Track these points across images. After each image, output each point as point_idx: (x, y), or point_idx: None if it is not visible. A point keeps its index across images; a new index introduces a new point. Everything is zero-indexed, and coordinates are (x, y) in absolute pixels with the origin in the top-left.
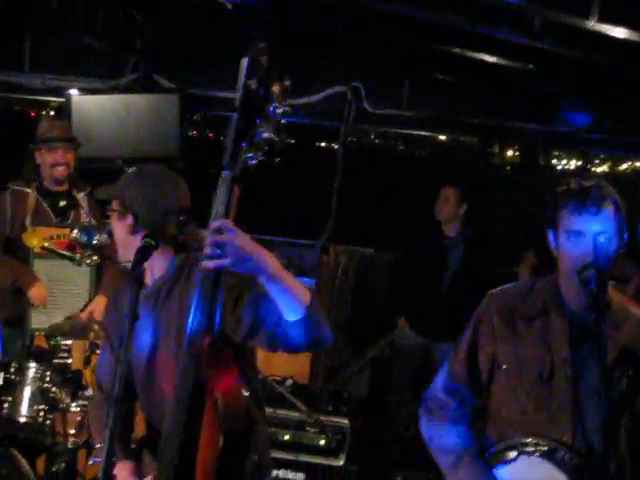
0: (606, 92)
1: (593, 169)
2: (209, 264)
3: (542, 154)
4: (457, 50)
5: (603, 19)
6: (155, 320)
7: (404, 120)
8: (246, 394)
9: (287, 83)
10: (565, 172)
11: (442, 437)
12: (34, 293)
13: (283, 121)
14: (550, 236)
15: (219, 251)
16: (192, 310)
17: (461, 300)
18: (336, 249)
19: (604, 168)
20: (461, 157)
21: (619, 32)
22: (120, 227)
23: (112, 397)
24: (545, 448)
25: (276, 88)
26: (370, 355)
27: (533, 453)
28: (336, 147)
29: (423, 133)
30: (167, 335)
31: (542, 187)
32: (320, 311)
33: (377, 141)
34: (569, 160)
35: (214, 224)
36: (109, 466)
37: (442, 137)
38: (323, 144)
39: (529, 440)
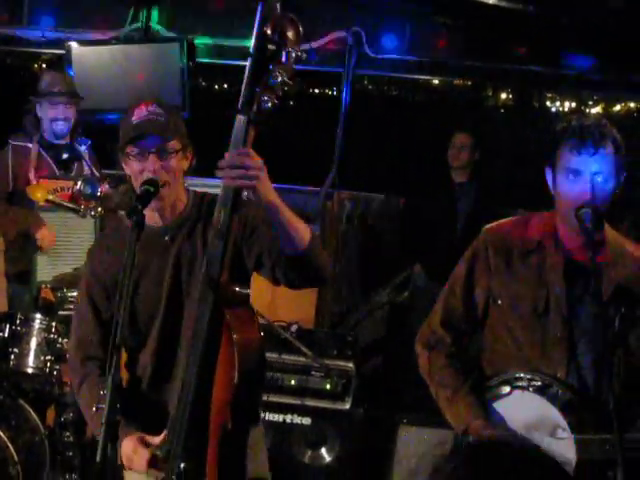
0: (606, 35)
1: (587, 110)
2: (231, 181)
3: (536, 96)
4: None
5: None
6: (174, 255)
7: (405, 65)
8: (261, 333)
9: (301, 28)
10: (559, 114)
11: (439, 371)
12: (41, 235)
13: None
14: (548, 174)
15: (242, 171)
16: (210, 238)
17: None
18: (340, 195)
19: (597, 109)
20: (455, 101)
21: None
22: (182, 166)
23: (112, 345)
24: (538, 383)
25: (290, 33)
26: (380, 300)
27: (526, 388)
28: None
29: (419, 77)
30: (189, 270)
31: (536, 129)
32: (320, 250)
33: (371, 87)
34: (562, 102)
35: (239, 150)
36: (112, 414)
37: (435, 81)
38: (325, 90)
39: (522, 375)
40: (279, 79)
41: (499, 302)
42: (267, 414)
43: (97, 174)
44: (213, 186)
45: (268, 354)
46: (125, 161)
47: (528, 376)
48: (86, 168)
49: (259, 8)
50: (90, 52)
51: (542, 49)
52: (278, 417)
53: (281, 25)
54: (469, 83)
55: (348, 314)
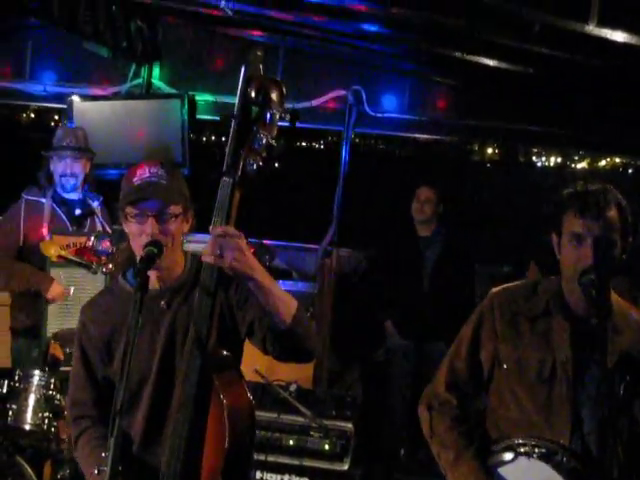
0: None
1: (573, 166)
2: (208, 259)
3: (522, 151)
4: (457, 54)
5: (602, 23)
6: (170, 320)
7: (405, 123)
8: (250, 397)
9: (284, 89)
10: (545, 169)
11: (443, 433)
12: (52, 292)
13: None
14: (553, 239)
15: (219, 252)
16: (195, 308)
17: (441, 300)
18: (338, 252)
19: (583, 165)
20: (441, 155)
21: (618, 36)
22: (181, 229)
23: (114, 407)
24: (543, 450)
25: (274, 94)
26: (374, 358)
27: (531, 455)
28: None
29: (418, 135)
30: (184, 336)
31: (522, 184)
32: (305, 325)
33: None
34: (548, 157)
35: (217, 229)
36: (115, 474)
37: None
38: (325, 147)
39: (527, 441)
40: (263, 140)
41: (504, 366)
42: (265, 474)
43: (109, 230)
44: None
45: (267, 414)
46: (124, 221)
47: (532, 442)
48: (98, 224)
49: (242, 70)
50: (92, 107)
51: (536, 108)
52: (276, 477)
53: (265, 87)
54: (456, 139)
55: (345, 372)
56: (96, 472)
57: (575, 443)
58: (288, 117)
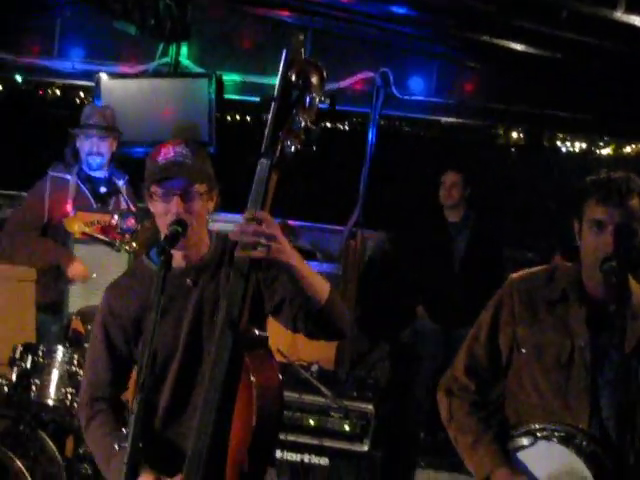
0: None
1: (597, 151)
2: (244, 255)
3: (547, 136)
4: (486, 38)
5: (630, 10)
6: (197, 297)
7: (432, 106)
8: (280, 376)
9: (325, 74)
10: (570, 154)
11: (461, 418)
12: (73, 270)
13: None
14: (575, 225)
15: (256, 239)
16: (229, 288)
17: (472, 286)
18: (363, 234)
19: (608, 151)
20: (466, 139)
21: None
22: (206, 208)
23: (137, 385)
24: (562, 434)
25: (314, 79)
26: (400, 339)
27: (551, 438)
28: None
29: (444, 118)
30: (211, 315)
31: (547, 169)
32: (338, 306)
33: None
34: (573, 142)
35: (256, 214)
36: (134, 454)
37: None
38: (352, 129)
39: (546, 426)
40: (302, 124)
41: (523, 351)
42: (285, 453)
43: (133, 209)
44: (238, 222)
45: (288, 393)
46: (149, 200)
47: (551, 427)
48: (123, 203)
49: (284, 53)
50: (119, 85)
51: (562, 93)
52: (296, 457)
53: (305, 70)
54: (482, 122)
55: (368, 354)
56: (117, 447)
57: (594, 427)
58: (328, 101)
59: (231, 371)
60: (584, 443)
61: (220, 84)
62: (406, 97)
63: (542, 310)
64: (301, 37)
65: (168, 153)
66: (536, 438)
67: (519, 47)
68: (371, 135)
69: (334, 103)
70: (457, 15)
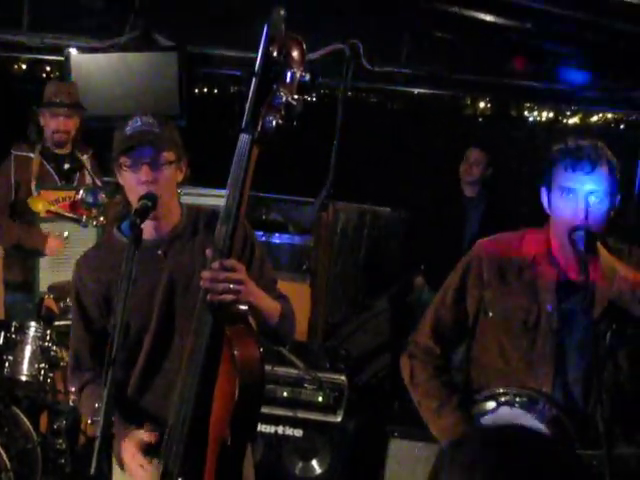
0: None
1: (565, 121)
2: (216, 296)
3: (514, 106)
4: (455, 9)
5: None
6: (169, 268)
7: (402, 78)
8: (261, 349)
9: (305, 48)
10: (537, 124)
11: (425, 382)
12: (50, 248)
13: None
14: (543, 193)
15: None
16: (210, 256)
17: None
18: (335, 206)
19: (575, 120)
20: (436, 110)
21: None
22: (175, 177)
23: (107, 359)
24: (524, 399)
25: (295, 53)
26: (380, 308)
27: (512, 404)
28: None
29: (414, 89)
30: (185, 285)
31: (515, 139)
32: (286, 324)
33: (372, 98)
34: (540, 112)
35: (224, 262)
36: (107, 427)
37: (417, 91)
38: (322, 100)
39: (509, 390)
40: (283, 99)
41: (490, 314)
42: (259, 425)
43: (99, 183)
44: (209, 195)
45: None
46: (119, 172)
47: (514, 391)
48: (88, 177)
49: (265, 29)
50: (89, 59)
51: (532, 63)
52: (270, 429)
53: (286, 46)
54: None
55: (341, 325)
56: (89, 422)
57: (557, 392)
58: (308, 76)
59: (213, 345)
60: (546, 407)
61: (189, 57)
62: (376, 68)
63: (511, 274)
64: (282, 12)
65: (135, 123)
66: (498, 403)
67: (488, 18)
68: (341, 106)
69: (314, 78)
70: None
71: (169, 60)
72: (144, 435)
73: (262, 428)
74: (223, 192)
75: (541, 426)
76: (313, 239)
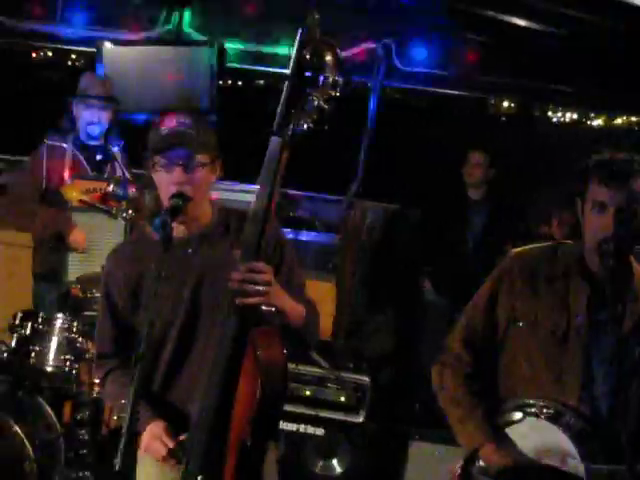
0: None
1: (588, 122)
2: (239, 300)
3: (538, 105)
4: (490, 13)
5: None
6: (197, 266)
7: (433, 78)
8: (285, 351)
9: (339, 53)
10: (561, 124)
11: (453, 389)
12: (73, 237)
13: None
14: (578, 204)
15: (251, 287)
16: (239, 256)
17: (485, 264)
18: (363, 205)
19: (599, 122)
20: (459, 110)
21: None
22: (208, 179)
23: (135, 357)
24: (551, 411)
25: (328, 58)
26: (397, 311)
27: (539, 415)
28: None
29: (446, 90)
30: (212, 283)
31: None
32: (311, 326)
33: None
34: (564, 113)
35: (252, 265)
36: (133, 424)
37: (446, 91)
38: (353, 99)
39: (536, 402)
40: (315, 103)
41: (520, 324)
42: (281, 423)
43: (129, 176)
44: (239, 191)
45: None
46: (152, 169)
47: (541, 403)
48: (118, 170)
49: (299, 33)
50: (121, 52)
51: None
52: (292, 427)
53: (320, 50)
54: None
55: (365, 323)
56: (115, 418)
57: (584, 405)
58: (341, 82)
59: (237, 344)
60: (572, 420)
61: (222, 52)
62: (407, 68)
63: (542, 285)
64: (316, 16)
65: (171, 123)
66: (525, 414)
67: (521, 22)
68: (372, 106)
69: (349, 82)
70: None
71: (201, 55)
72: (167, 433)
73: (284, 426)
74: (254, 188)
75: (567, 438)
76: (340, 237)
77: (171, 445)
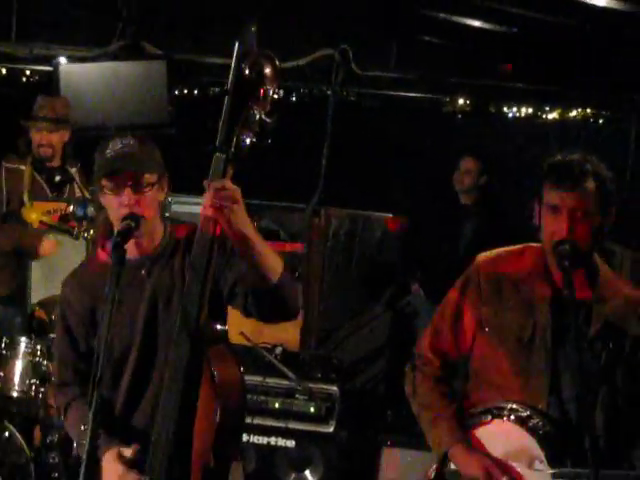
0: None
1: (544, 116)
2: (209, 212)
3: (493, 102)
4: (443, 15)
5: None
6: (151, 288)
7: (391, 82)
8: (241, 370)
9: (278, 64)
10: (516, 119)
11: (424, 393)
12: (45, 247)
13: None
14: (536, 208)
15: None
16: (187, 282)
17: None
18: (327, 212)
19: (554, 115)
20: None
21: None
22: (157, 197)
23: (92, 379)
24: (520, 414)
25: (268, 70)
26: (375, 313)
27: (508, 418)
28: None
29: (404, 93)
30: (166, 302)
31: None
32: (291, 283)
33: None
34: (519, 108)
35: (217, 183)
36: (93, 448)
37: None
38: (311, 106)
39: (504, 405)
40: (257, 117)
41: (486, 330)
42: (251, 437)
43: (88, 196)
44: (195, 203)
45: (252, 377)
46: (100, 193)
47: (510, 406)
48: (77, 190)
49: (236, 47)
50: (78, 69)
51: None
52: (262, 440)
53: (259, 63)
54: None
55: (334, 331)
56: (75, 445)
57: (552, 409)
58: (282, 92)
59: (192, 367)
60: (540, 424)
61: (177, 65)
62: (366, 73)
63: (507, 290)
64: (253, 28)
65: (115, 146)
66: (493, 416)
67: (475, 23)
68: (330, 111)
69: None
70: None
71: (158, 68)
72: (123, 450)
73: (254, 439)
74: None
75: (534, 441)
76: (305, 245)
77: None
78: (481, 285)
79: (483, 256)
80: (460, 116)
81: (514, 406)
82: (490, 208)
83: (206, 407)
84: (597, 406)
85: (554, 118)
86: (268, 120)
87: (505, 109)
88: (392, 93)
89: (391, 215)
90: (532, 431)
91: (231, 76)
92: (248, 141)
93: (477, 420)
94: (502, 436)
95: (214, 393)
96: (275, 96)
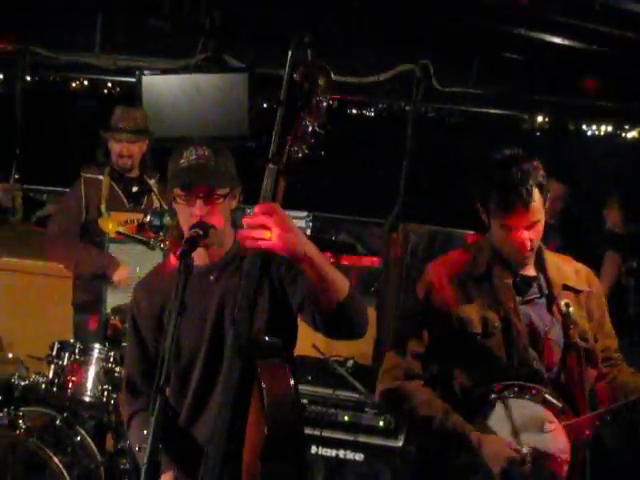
0: None
1: (622, 135)
2: (249, 243)
3: (572, 119)
4: (521, 31)
5: None
6: (219, 294)
7: (472, 98)
8: (292, 382)
9: (332, 76)
10: (595, 137)
11: (424, 398)
12: (118, 275)
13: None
14: (480, 209)
15: (263, 232)
16: (238, 299)
17: None
18: (405, 227)
19: (634, 134)
20: (495, 125)
21: None
22: (229, 207)
23: (156, 384)
24: (515, 389)
25: (321, 81)
26: None
27: (506, 397)
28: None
29: (485, 110)
30: (233, 309)
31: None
32: (357, 303)
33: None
34: (599, 126)
35: (260, 207)
36: (154, 455)
37: (485, 110)
38: (392, 121)
39: (503, 384)
40: (310, 128)
41: (458, 327)
42: (320, 449)
43: (165, 207)
44: None
45: (322, 389)
46: (173, 201)
47: (503, 383)
48: (155, 201)
49: (289, 54)
50: (160, 81)
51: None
52: (331, 452)
53: (312, 73)
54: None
55: None
56: (137, 449)
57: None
58: (336, 104)
59: (243, 380)
60: (536, 390)
61: (258, 78)
62: (446, 89)
63: (471, 286)
64: (306, 38)
65: (190, 156)
66: (494, 398)
67: (556, 40)
68: (411, 127)
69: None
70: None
71: (239, 82)
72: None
73: (323, 452)
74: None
75: (538, 405)
76: (382, 260)
77: None
78: (445, 287)
79: (436, 261)
80: (539, 133)
81: (506, 384)
82: (572, 227)
83: (256, 421)
84: None
85: (633, 137)
86: (322, 132)
87: (584, 127)
88: (472, 109)
89: (472, 232)
90: (532, 398)
91: (283, 86)
92: (300, 154)
93: (480, 407)
94: (509, 414)
95: (261, 406)
96: (329, 108)
